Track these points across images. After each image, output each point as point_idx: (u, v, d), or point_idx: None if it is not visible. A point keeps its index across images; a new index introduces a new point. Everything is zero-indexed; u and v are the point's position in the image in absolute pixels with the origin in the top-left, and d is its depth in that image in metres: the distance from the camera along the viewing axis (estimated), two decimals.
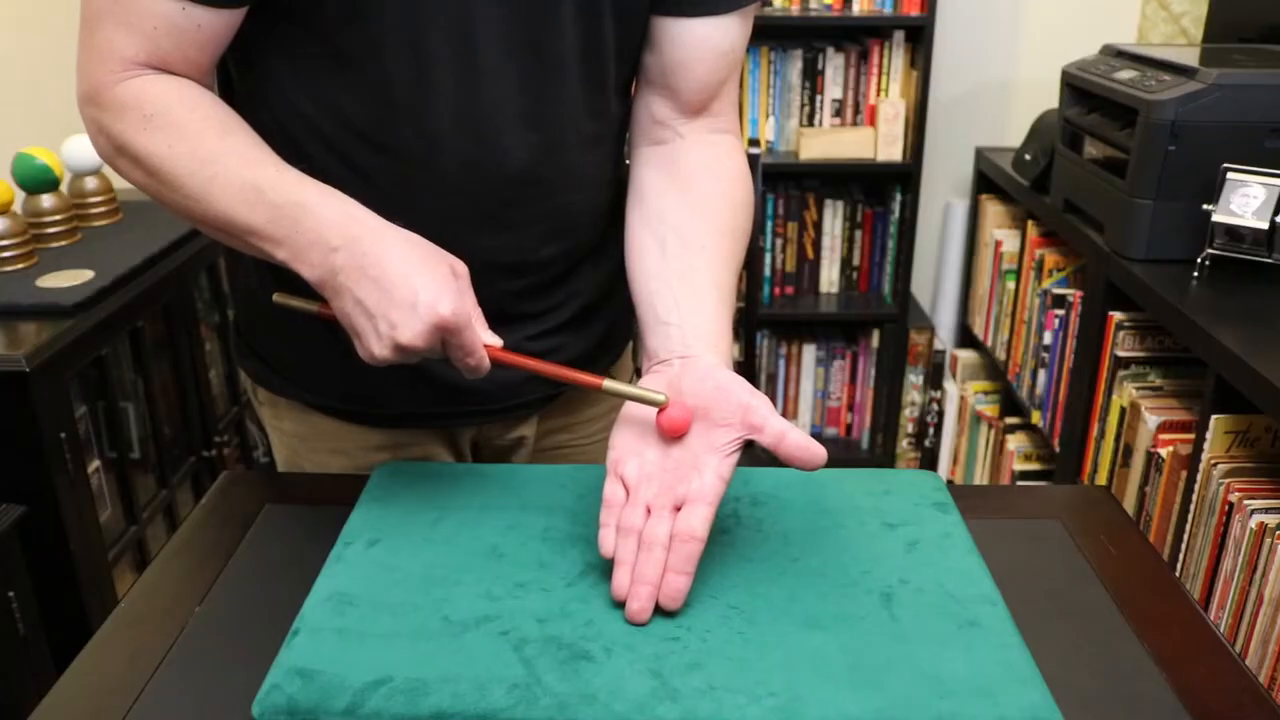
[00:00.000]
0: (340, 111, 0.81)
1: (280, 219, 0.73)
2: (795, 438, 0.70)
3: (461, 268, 0.74)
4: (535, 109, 0.83)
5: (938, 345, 2.55)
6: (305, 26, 0.78)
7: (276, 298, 0.79)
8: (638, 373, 0.92)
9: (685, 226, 0.85)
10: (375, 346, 0.71)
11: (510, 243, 0.88)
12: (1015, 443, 2.20)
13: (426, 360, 0.74)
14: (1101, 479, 1.71)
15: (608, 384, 0.74)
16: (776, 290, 2.52)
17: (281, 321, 0.94)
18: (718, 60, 0.87)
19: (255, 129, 0.80)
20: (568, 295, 0.95)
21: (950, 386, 2.54)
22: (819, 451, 0.70)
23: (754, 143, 2.38)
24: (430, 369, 0.90)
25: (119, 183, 1.72)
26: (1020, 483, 2.15)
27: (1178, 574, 1.35)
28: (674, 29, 0.86)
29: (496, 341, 0.75)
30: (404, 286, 0.69)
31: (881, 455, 2.60)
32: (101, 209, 1.73)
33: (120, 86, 0.76)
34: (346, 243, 0.71)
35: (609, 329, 1.01)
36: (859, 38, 2.36)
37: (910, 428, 2.60)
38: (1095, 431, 1.73)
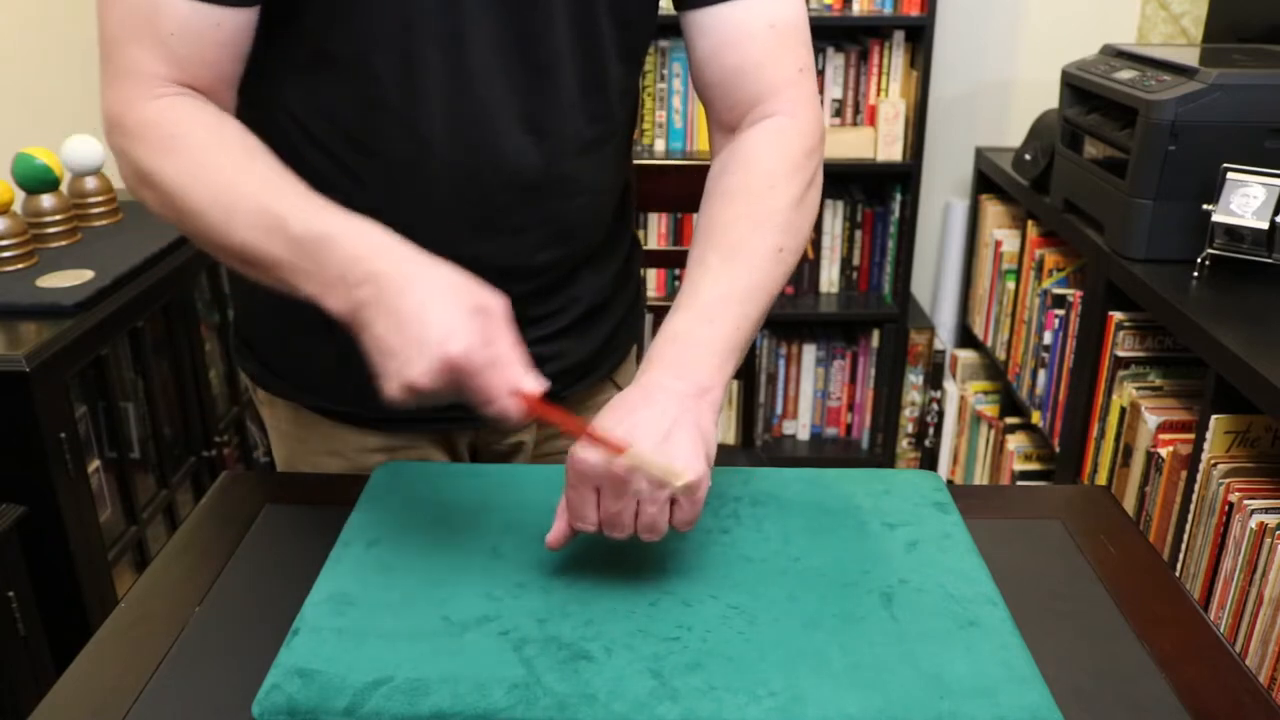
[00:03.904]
0: (331, 113, 0.80)
1: (302, 252, 0.69)
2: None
3: (497, 306, 0.68)
4: (529, 112, 0.82)
5: (938, 345, 2.54)
6: (288, 28, 0.77)
7: None
8: None
9: (704, 245, 0.81)
10: (390, 385, 0.66)
11: (506, 248, 0.87)
12: (1015, 443, 2.19)
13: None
14: (1101, 479, 1.71)
15: (632, 451, 0.66)
16: None
17: (279, 323, 0.93)
18: (748, 43, 0.83)
19: (250, 127, 0.80)
20: (568, 300, 0.94)
21: (950, 386, 2.54)
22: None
23: None
24: None
25: (119, 183, 1.73)
26: (1020, 483, 2.15)
27: (1178, 574, 1.35)
28: (700, 19, 0.84)
29: (536, 388, 0.67)
30: (416, 322, 0.64)
31: (881, 455, 2.60)
32: (101, 209, 1.72)
33: (147, 105, 0.74)
34: (370, 278, 0.67)
35: (612, 333, 1.01)
36: (859, 38, 2.36)
37: (910, 428, 2.60)
38: (1095, 431, 1.73)
